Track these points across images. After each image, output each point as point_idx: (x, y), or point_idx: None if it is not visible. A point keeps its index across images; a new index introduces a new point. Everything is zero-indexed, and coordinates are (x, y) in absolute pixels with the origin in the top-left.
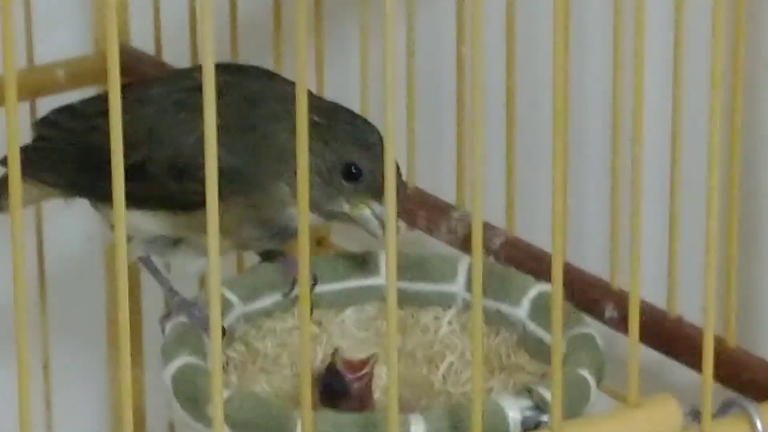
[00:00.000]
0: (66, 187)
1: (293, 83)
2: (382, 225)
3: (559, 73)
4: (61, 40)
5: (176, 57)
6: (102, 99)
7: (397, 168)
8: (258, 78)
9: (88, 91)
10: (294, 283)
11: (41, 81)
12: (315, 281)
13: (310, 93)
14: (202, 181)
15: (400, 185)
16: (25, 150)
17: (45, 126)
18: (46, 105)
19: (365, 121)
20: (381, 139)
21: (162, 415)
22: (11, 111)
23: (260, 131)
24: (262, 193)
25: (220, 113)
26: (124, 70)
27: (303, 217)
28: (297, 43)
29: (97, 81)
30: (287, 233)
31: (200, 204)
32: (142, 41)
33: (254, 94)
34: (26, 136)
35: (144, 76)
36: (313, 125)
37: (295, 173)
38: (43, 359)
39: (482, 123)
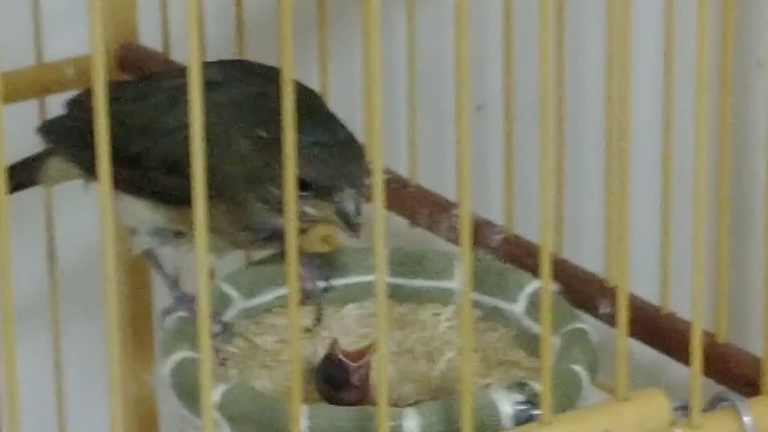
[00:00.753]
0: (80, 165)
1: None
2: (347, 220)
3: (546, 72)
4: (69, 38)
5: (184, 55)
6: (123, 85)
7: (362, 162)
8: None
9: None
10: (320, 313)
11: (50, 78)
12: (327, 288)
13: (267, 98)
14: (188, 178)
15: (363, 177)
16: (56, 122)
17: (73, 105)
18: (55, 102)
19: (316, 124)
20: (333, 137)
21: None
22: None
23: (222, 140)
24: (236, 205)
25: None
26: (133, 68)
27: (290, 215)
28: (282, 41)
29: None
30: (280, 236)
31: (188, 201)
32: (151, 39)
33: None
34: (30, 133)
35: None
36: (259, 140)
37: (264, 185)
38: (55, 357)
39: (469, 118)
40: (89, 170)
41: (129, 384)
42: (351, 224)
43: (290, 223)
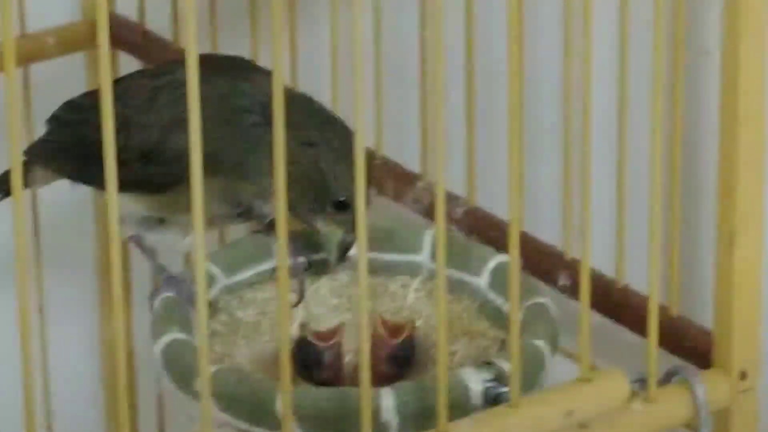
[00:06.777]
0: (66, 174)
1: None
2: (339, 254)
3: (514, 54)
4: (50, 8)
5: (159, 24)
6: (94, 92)
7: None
8: (239, 70)
9: (77, 57)
10: (303, 289)
11: (33, 48)
12: (308, 266)
13: (309, 102)
14: (167, 164)
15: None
16: (39, 145)
17: (51, 122)
18: (38, 70)
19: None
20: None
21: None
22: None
23: (244, 125)
24: (244, 182)
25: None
26: (110, 37)
27: (280, 196)
28: (273, 35)
29: (84, 47)
30: (251, 215)
31: (170, 184)
32: (127, 8)
33: (234, 87)
34: (19, 101)
35: (127, 42)
36: (310, 144)
37: (263, 176)
38: (39, 302)
39: (442, 98)
40: (73, 179)
41: (106, 329)
42: (341, 258)
43: (280, 212)
